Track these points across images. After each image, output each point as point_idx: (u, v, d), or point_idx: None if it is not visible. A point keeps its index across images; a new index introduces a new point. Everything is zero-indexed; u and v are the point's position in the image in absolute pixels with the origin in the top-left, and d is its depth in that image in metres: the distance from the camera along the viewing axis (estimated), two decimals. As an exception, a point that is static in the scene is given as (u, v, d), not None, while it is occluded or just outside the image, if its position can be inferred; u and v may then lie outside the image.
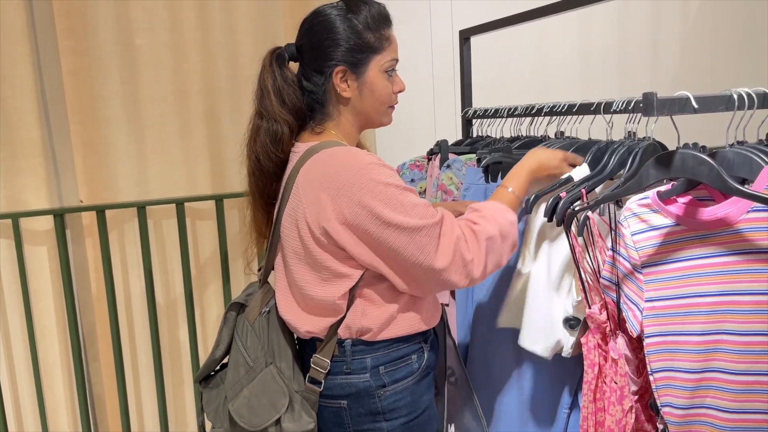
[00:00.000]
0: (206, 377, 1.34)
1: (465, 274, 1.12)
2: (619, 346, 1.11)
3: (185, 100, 2.08)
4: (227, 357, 1.31)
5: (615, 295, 1.06)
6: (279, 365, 1.20)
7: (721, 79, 2.73)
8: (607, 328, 1.11)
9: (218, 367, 1.34)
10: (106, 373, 2.11)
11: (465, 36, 1.92)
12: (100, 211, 1.99)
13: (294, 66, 1.24)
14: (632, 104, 1.23)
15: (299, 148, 1.19)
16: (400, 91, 1.24)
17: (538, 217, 1.26)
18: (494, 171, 1.47)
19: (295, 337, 1.26)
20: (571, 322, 1.22)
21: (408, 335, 1.20)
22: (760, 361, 0.88)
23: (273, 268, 1.28)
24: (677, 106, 0.90)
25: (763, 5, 2.76)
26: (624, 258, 1.03)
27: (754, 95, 0.93)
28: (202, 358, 2.18)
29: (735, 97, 0.93)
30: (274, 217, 1.24)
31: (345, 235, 1.10)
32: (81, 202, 2.03)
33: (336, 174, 1.09)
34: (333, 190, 1.09)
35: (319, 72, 1.18)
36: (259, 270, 1.35)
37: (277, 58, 1.20)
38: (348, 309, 1.15)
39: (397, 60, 1.22)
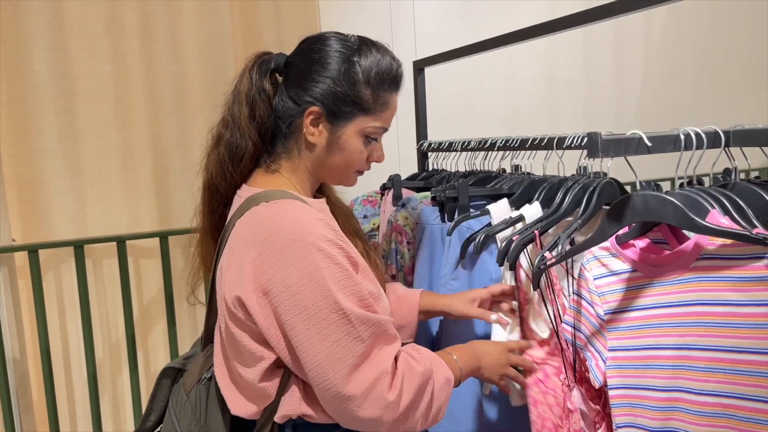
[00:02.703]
0: None
1: (379, 415, 0.88)
2: (575, 399, 1.06)
3: (128, 132, 1.98)
4: (159, 427, 1.13)
5: (572, 338, 1.00)
6: None
7: (682, 105, 2.73)
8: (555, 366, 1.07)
9: None
10: (40, 423, 1.96)
11: (419, 67, 1.86)
12: (33, 250, 1.86)
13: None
14: (584, 140, 1.17)
15: (244, 192, 1.01)
16: (375, 161, 1.08)
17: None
18: (450, 210, 1.39)
19: None
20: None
21: None
22: (718, 425, 0.81)
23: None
24: (623, 147, 0.83)
25: (720, 33, 2.78)
26: (587, 302, 0.98)
27: (703, 135, 0.86)
28: (146, 404, 2.04)
29: (682, 137, 0.87)
30: (213, 262, 1.04)
31: (259, 308, 0.89)
32: (13, 241, 1.90)
33: (267, 232, 0.90)
34: (258, 249, 0.90)
35: (294, 101, 1.00)
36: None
37: (261, 64, 1.03)
38: (282, 393, 0.94)
39: (386, 129, 1.05)
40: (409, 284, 1.51)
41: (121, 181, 1.99)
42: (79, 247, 1.91)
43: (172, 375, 1.11)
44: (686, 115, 2.63)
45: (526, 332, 1.16)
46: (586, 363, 0.98)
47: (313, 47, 1.01)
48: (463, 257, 1.30)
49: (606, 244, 0.95)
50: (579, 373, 1.06)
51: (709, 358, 0.82)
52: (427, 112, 1.87)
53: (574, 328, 1.00)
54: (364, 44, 1.01)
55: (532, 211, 1.21)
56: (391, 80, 1.02)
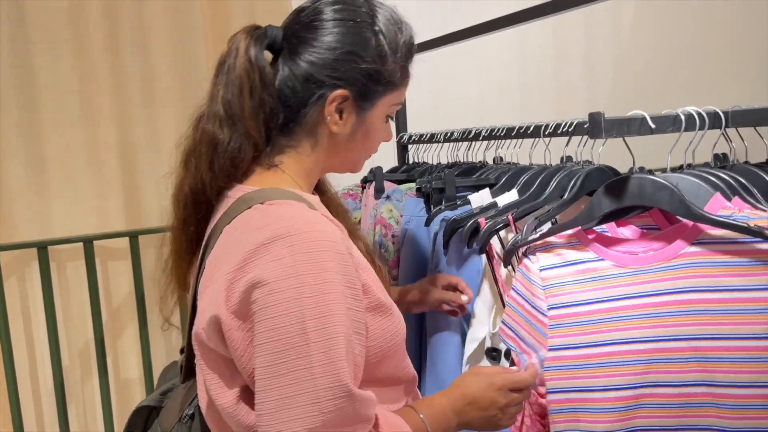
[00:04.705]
0: None
1: None
2: None
3: (94, 127, 1.90)
4: None
5: (508, 341, 0.92)
6: None
7: (652, 100, 2.77)
8: None
9: None
10: (4, 436, 1.86)
11: (398, 58, 1.82)
12: (-7, 253, 1.76)
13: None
14: (573, 126, 1.15)
15: (235, 192, 0.82)
16: (384, 141, 0.93)
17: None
18: (436, 201, 1.36)
19: None
20: (492, 354, 1.11)
21: None
22: (704, 414, 0.76)
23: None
24: (626, 127, 0.81)
25: (691, 27, 2.82)
26: (523, 297, 0.89)
27: (705, 114, 0.85)
28: (116, 412, 1.96)
29: (683, 117, 0.85)
30: (195, 276, 0.86)
31: (236, 327, 0.72)
32: (-29, 243, 1.80)
33: (256, 240, 0.72)
34: (242, 258, 0.72)
35: (312, 81, 0.81)
36: (182, 352, 0.95)
37: (257, 39, 0.82)
38: None
39: (402, 103, 0.95)
40: (394, 278, 1.48)
41: (87, 179, 1.90)
42: (42, 248, 1.81)
43: (144, 416, 0.94)
44: (658, 110, 2.67)
45: None
46: (520, 365, 0.90)
47: (320, 17, 0.83)
48: (446, 247, 1.27)
49: (568, 231, 0.88)
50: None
51: (693, 347, 0.76)
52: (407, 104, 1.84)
53: (506, 325, 0.92)
54: (376, 6, 0.85)
55: (509, 198, 1.19)
56: (413, 47, 0.89)
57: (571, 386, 0.83)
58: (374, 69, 0.82)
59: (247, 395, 0.75)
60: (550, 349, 0.85)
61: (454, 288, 1.15)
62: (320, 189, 0.97)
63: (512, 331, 0.91)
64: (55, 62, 1.84)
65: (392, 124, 0.95)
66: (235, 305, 0.71)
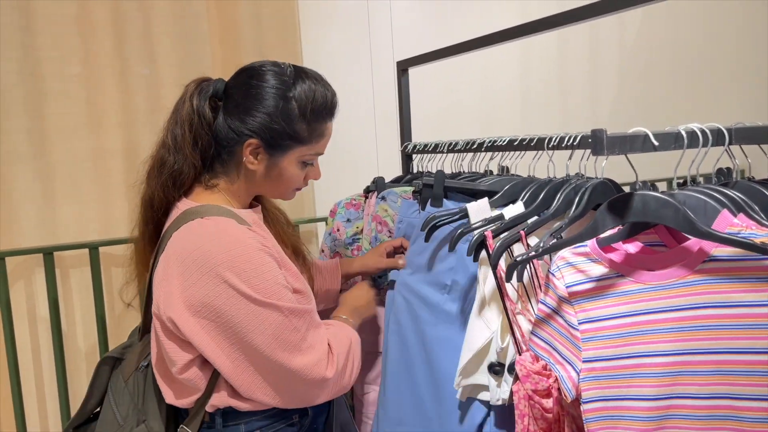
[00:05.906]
0: (78, 425, 1.23)
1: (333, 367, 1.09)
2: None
3: (100, 134, 1.91)
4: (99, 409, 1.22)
5: (542, 353, 0.95)
6: (150, 424, 1.10)
7: (656, 110, 2.76)
8: (549, 379, 0.99)
9: (92, 416, 1.24)
10: (8, 441, 1.87)
11: (403, 67, 1.83)
12: (0, 258, 1.77)
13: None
14: (578, 140, 1.15)
15: (182, 205, 1.09)
16: (313, 179, 1.19)
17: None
18: (424, 198, 1.36)
19: None
20: (495, 368, 1.11)
21: None
22: (723, 427, 0.78)
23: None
24: (629, 144, 0.82)
25: (695, 37, 2.82)
26: (555, 311, 0.92)
27: (708, 132, 0.85)
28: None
29: (684, 134, 0.85)
30: (150, 265, 1.12)
31: (192, 326, 0.99)
32: (-22, 248, 1.81)
33: (198, 251, 0.99)
34: (185, 266, 0.99)
35: (234, 131, 1.08)
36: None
37: (200, 90, 1.09)
38: (212, 388, 1.05)
39: (321, 153, 1.15)
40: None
41: (93, 185, 1.91)
42: (48, 254, 1.82)
43: (111, 363, 1.20)
44: (661, 120, 2.66)
45: (520, 343, 1.12)
46: (554, 375, 0.93)
47: (250, 82, 1.08)
48: (427, 240, 1.26)
49: (585, 249, 0.90)
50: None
51: (715, 361, 0.78)
52: (411, 112, 1.84)
53: (539, 337, 0.95)
54: (299, 78, 1.09)
55: (515, 211, 1.18)
56: (327, 112, 1.11)
57: (606, 395, 0.86)
58: (281, 128, 1.07)
59: (197, 360, 1.03)
60: (584, 361, 0.87)
61: (394, 251, 1.42)
62: (261, 202, 1.24)
63: (546, 343, 0.94)
64: (62, 69, 1.85)
65: (319, 166, 1.18)
66: (189, 306, 0.98)
